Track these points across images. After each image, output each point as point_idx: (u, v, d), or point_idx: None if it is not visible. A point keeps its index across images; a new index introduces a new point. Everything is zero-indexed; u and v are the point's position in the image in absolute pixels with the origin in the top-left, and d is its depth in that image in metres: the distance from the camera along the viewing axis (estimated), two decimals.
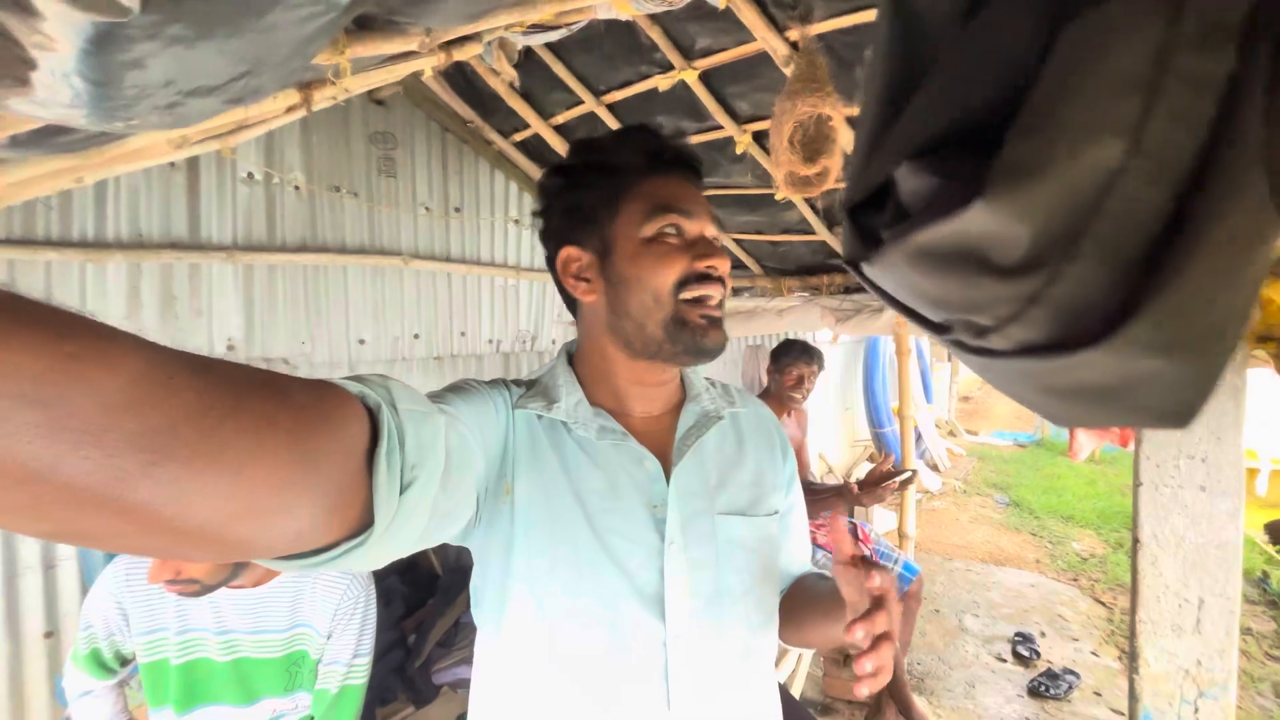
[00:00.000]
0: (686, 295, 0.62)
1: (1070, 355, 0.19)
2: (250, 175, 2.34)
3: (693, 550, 0.64)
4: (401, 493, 0.39)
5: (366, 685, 1.25)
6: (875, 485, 2.12)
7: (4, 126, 0.60)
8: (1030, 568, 4.18)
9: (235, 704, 1.18)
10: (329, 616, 1.19)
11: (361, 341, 2.64)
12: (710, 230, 0.66)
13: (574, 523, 0.61)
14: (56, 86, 0.47)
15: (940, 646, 3.14)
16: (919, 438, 6.21)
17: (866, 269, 0.25)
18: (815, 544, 2.27)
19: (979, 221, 0.18)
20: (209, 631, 1.18)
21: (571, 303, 0.72)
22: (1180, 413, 0.21)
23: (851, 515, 2.67)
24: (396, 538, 0.41)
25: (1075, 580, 3.98)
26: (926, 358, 7.20)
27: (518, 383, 0.70)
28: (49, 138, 0.73)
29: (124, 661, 1.23)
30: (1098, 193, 0.17)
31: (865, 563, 0.56)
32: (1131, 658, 1.06)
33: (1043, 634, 3.25)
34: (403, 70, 1.28)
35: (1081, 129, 0.17)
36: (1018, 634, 3.18)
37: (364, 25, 0.84)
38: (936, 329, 0.25)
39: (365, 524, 0.38)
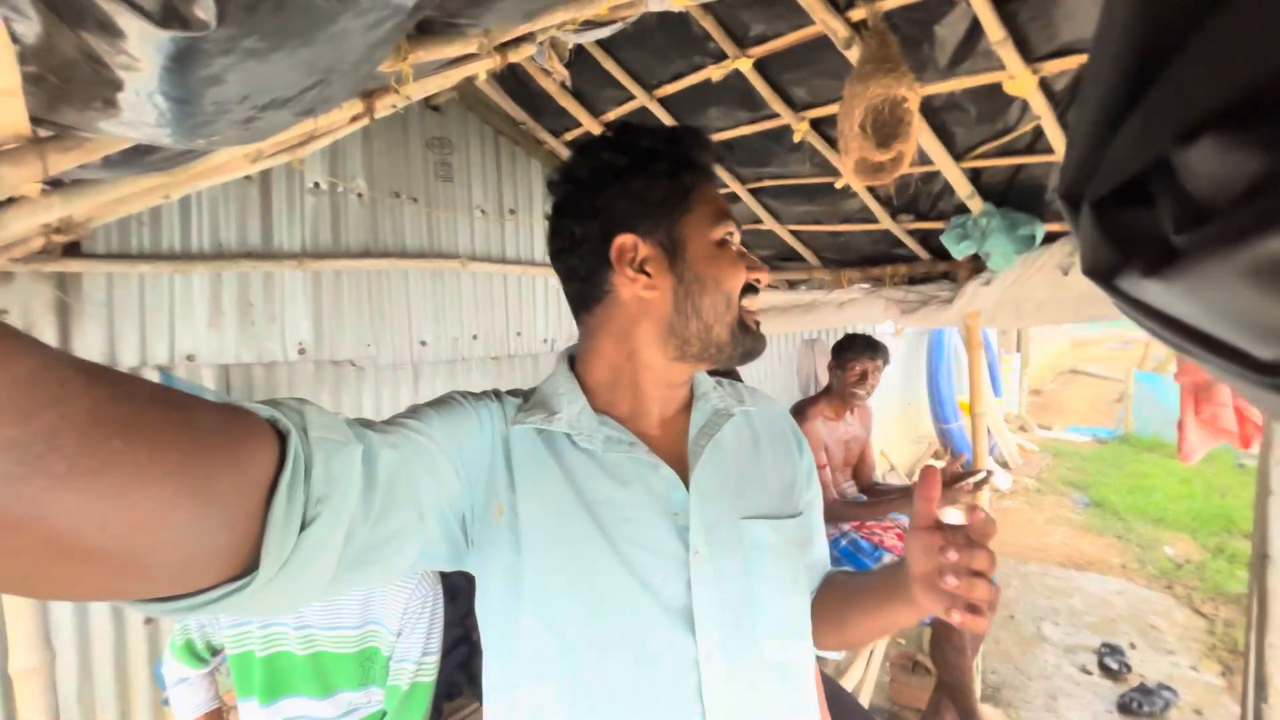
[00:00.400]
0: (742, 304, 0.64)
1: None
2: (317, 185, 2.44)
3: (719, 559, 0.60)
4: (303, 529, 0.35)
5: (435, 681, 1.27)
6: (947, 486, 2.01)
7: (98, 149, 0.63)
8: (1116, 573, 3.90)
9: (313, 696, 1.23)
10: (398, 615, 1.22)
11: (423, 343, 2.71)
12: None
13: (589, 539, 0.58)
14: (142, 106, 0.48)
15: (1016, 655, 2.97)
16: (987, 433, 5.90)
17: (1138, 285, 0.19)
18: (883, 547, 2.17)
19: None
20: (289, 626, 1.22)
21: (584, 296, 0.66)
22: None
23: None
24: (296, 580, 0.36)
25: (1169, 588, 3.69)
26: (994, 348, 6.83)
27: (514, 393, 0.67)
28: (138, 157, 0.76)
29: (215, 651, 1.30)
30: None
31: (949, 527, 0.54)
32: (1258, 686, 0.95)
33: (1132, 645, 3.03)
34: (459, 74, 1.29)
35: None
36: (1104, 645, 2.97)
37: (424, 30, 0.84)
38: (1257, 368, 0.19)
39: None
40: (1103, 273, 0.20)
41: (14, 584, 0.27)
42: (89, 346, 1.98)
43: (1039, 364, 11.26)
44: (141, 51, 0.41)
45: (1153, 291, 0.19)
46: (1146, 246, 0.18)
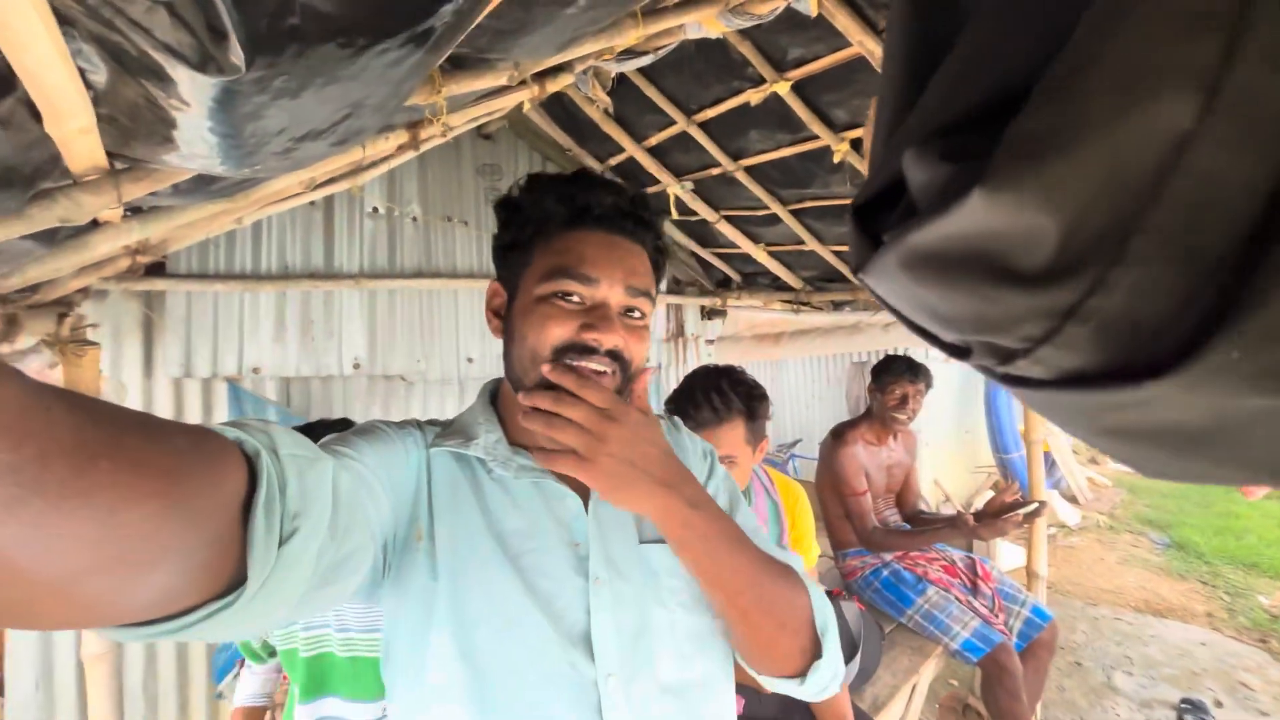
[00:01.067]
0: (566, 362, 0.59)
1: (1128, 388, 0.14)
2: (375, 210, 2.59)
3: (618, 584, 0.62)
4: (281, 545, 0.37)
5: None
6: (996, 517, 1.91)
7: (165, 178, 0.71)
8: (1200, 622, 3.56)
9: (349, 698, 1.27)
10: None
11: (470, 360, 2.81)
12: (618, 299, 0.61)
13: (498, 567, 0.59)
14: (194, 141, 0.55)
15: (1084, 706, 2.75)
16: (1052, 465, 5.55)
17: (865, 279, 0.22)
18: (927, 579, 2.08)
19: (979, 216, 0.14)
20: (330, 629, 1.28)
21: None
22: None
23: (970, 549, 2.43)
24: (274, 597, 0.37)
25: (1263, 642, 3.34)
26: None
27: (433, 423, 0.69)
28: (203, 186, 0.84)
29: (271, 652, 1.37)
30: (1156, 170, 0.12)
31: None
32: None
33: (1219, 704, 2.75)
34: (501, 104, 1.36)
35: (1129, 83, 0.12)
36: (1185, 700, 2.72)
37: (458, 65, 0.90)
38: (955, 352, 0.21)
39: (238, 583, 0.35)
40: (855, 269, 0.22)
41: (9, 613, 0.27)
42: (169, 358, 2.16)
43: None
44: (190, 95, 0.47)
45: (870, 283, 0.20)
46: (874, 245, 0.19)
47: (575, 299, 0.61)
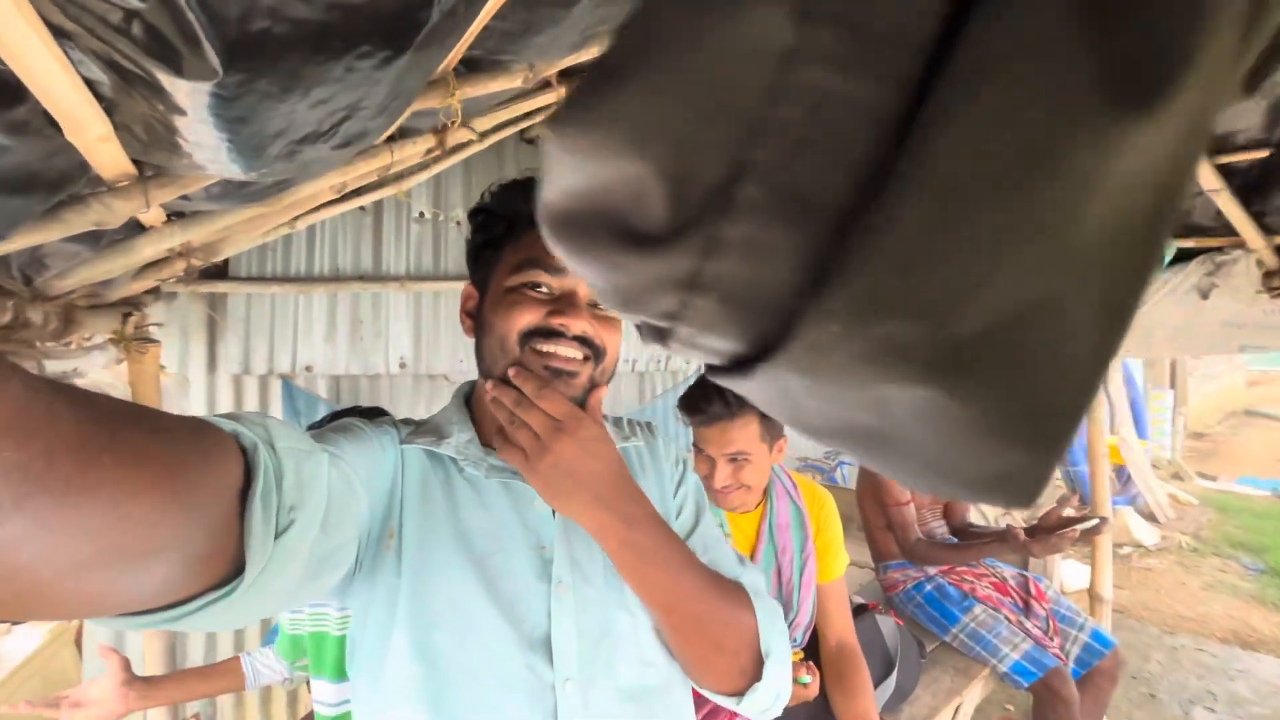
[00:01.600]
0: (535, 347, 0.60)
1: (741, 376, 0.12)
2: (421, 214, 2.69)
3: (581, 589, 0.62)
4: (277, 537, 0.37)
5: None
6: (1050, 532, 1.78)
7: (189, 184, 0.75)
8: None
9: None
10: None
11: None
12: (585, 289, 0.62)
13: (460, 567, 0.60)
14: (199, 147, 0.57)
15: None
16: (1128, 480, 5.16)
17: None
18: (974, 596, 1.96)
19: (560, 161, 0.12)
20: None
21: None
22: (991, 481, 0.12)
23: (1025, 566, 2.28)
24: (269, 588, 0.38)
25: None
26: (1139, 382, 5.99)
27: (407, 422, 0.70)
28: (234, 190, 0.89)
29: (295, 659, 1.42)
30: (760, 95, 0.10)
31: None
32: None
33: None
34: (532, 107, 1.38)
35: None
36: None
37: (471, 67, 0.91)
38: (640, 333, 0.19)
39: (234, 574, 0.36)
40: None
41: (12, 605, 0.27)
42: (230, 356, 2.30)
43: (1203, 403, 9.71)
44: (184, 101, 0.49)
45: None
46: None
47: (543, 289, 0.62)
